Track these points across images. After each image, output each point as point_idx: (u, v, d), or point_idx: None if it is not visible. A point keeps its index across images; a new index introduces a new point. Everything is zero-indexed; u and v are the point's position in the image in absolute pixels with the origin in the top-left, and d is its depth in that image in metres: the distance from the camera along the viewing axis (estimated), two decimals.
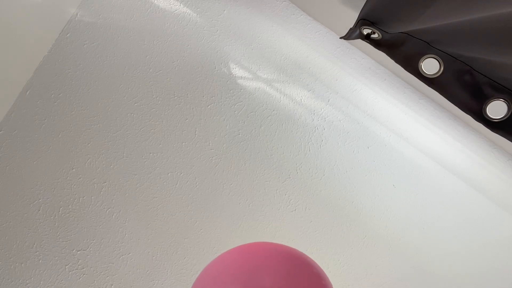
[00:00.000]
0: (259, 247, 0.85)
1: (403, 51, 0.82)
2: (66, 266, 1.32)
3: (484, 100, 0.77)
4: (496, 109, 0.76)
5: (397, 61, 0.85)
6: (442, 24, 0.72)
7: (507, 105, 0.74)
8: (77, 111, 1.33)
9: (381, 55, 0.88)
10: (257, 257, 0.80)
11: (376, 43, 0.86)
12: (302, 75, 1.48)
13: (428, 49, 0.79)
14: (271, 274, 0.74)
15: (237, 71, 1.44)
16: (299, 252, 0.85)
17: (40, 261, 1.31)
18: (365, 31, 0.86)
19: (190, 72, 1.40)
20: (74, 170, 1.33)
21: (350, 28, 0.88)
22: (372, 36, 0.86)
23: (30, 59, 1.30)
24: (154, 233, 1.38)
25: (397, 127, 1.51)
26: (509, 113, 0.74)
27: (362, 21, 0.83)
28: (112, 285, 1.35)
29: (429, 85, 0.82)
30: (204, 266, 0.78)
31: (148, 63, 1.38)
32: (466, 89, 0.78)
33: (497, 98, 0.75)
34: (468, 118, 0.80)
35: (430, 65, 0.80)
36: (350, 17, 1.09)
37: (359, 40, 0.89)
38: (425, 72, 0.81)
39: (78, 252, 1.33)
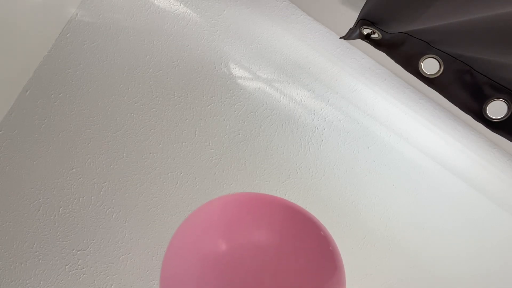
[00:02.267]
0: (255, 198, 0.73)
1: (403, 51, 0.82)
2: (66, 266, 1.32)
3: (484, 100, 0.77)
4: (496, 109, 0.76)
5: (397, 61, 0.85)
6: (442, 24, 0.72)
7: (507, 105, 0.74)
8: (77, 111, 1.33)
9: (381, 55, 0.88)
10: (249, 208, 0.68)
11: (376, 43, 0.86)
12: (302, 75, 1.48)
13: (428, 49, 0.79)
14: (265, 229, 0.63)
15: (237, 71, 1.44)
16: (304, 210, 0.73)
17: (40, 261, 1.31)
18: (365, 31, 0.86)
19: (190, 72, 1.40)
20: (74, 170, 1.33)
21: (350, 28, 0.88)
22: (372, 36, 0.86)
23: (30, 59, 1.30)
24: (154, 233, 1.38)
25: (397, 127, 1.51)
26: (509, 113, 0.74)
27: (362, 21, 0.83)
28: (112, 285, 1.35)
29: (429, 85, 0.82)
30: None
31: (148, 63, 1.37)
32: (466, 89, 0.78)
33: (497, 98, 0.75)
34: (468, 118, 0.80)
35: (430, 65, 0.80)
36: (350, 17, 1.09)
37: (359, 40, 0.89)
38: (425, 72, 0.81)
39: (78, 252, 1.33)
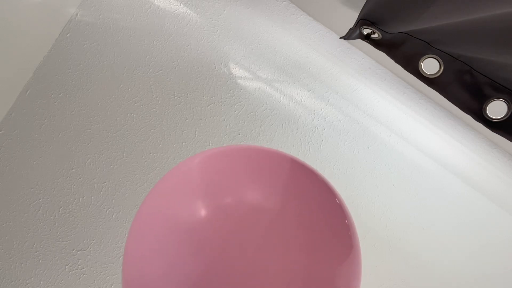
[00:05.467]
0: (250, 150, 0.56)
1: (403, 51, 0.82)
2: (66, 266, 1.32)
3: (484, 100, 0.77)
4: (496, 109, 0.76)
5: (397, 61, 0.85)
6: (442, 24, 0.72)
7: (507, 105, 0.74)
8: (77, 111, 1.33)
9: (381, 55, 0.88)
10: (240, 162, 0.52)
11: (376, 43, 0.86)
12: (302, 75, 1.48)
13: (428, 49, 0.79)
14: (262, 187, 0.48)
15: (237, 71, 1.44)
16: (316, 171, 0.58)
17: (40, 261, 1.31)
18: (365, 31, 0.86)
19: (190, 72, 1.40)
20: (74, 170, 1.33)
21: (350, 28, 0.88)
22: (372, 36, 0.86)
23: (30, 59, 1.30)
24: None
25: (397, 127, 1.51)
26: (509, 113, 0.74)
27: (362, 21, 0.83)
28: (112, 285, 1.35)
29: (429, 85, 0.82)
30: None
31: (148, 63, 1.37)
32: (466, 89, 0.78)
33: (497, 98, 0.75)
34: (468, 118, 0.80)
35: (430, 65, 0.80)
36: (350, 17, 1.09)
37: (359, 40, 0.89)
38: (425, 72, 0.81)
39: (78, 252, 1.33)
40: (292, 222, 0.47)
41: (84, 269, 1.33)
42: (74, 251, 1.33)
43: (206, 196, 0.48)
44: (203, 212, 0.47)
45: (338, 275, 0.49)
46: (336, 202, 0.55)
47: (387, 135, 1.50)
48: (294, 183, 0.52)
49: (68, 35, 1.32)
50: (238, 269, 0.43)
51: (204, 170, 0.53)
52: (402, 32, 0.80)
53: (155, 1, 1.38)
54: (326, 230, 0.50)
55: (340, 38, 0.90)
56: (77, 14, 1.33)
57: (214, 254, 0.44)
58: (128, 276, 0.51)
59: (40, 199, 1.31)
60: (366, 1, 0.83)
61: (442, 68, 0.79)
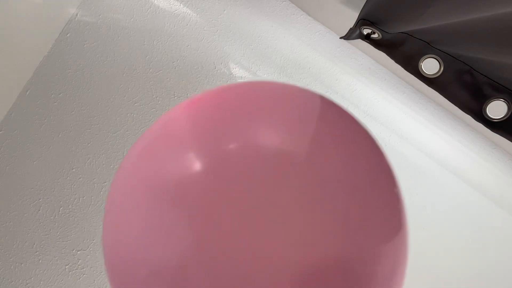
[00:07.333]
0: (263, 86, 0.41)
1: (403, 51, 0.82)
2: (66, 266, 1.32)
3: (484, 100, 0.77)
4: (496, 109, 0.76)
5: (397, 61, 0.85)
6: (442, 24, 0.72)
7: (507, 105, 0.74)
8: (77, 111, 1.33)
9: (381, 55, 0.88)
10: (248, 99, 0.39)
11: (376, 43, 0.86)
12: (302, 75, 1.48)
13: (428, 49, 0.79)
14: (283, 129, 0.35)
15: (237, 71, 1.44)
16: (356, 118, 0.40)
17: (40, 261, 1.31)
18: (365, 31, 0.86)
19: (190, 72, 1.40)
20: (74, 170, 1.33)
21: (350, 28, 0.88)
22: (372, 36, 0.86)
23: (30, 59, 1.30)
24: None
25: (397, 127, 1.51)
26: (509, 113, 0.74)
27: (362, 21, 0.83)
28: None
29: (429, 85, 0.82)
30: None
31: (148, 63, 1.37)
32: (466, 89, 0.78)
33: (497, 98, 0.75)
34: (468, 118, 0.80)
35: (430, 65, 0.80)
36: (350, 17, 1.09)
37: (359, 40, 0.89)
38: (425, 72, 0.81)
39: (78, 252, 1.33)
40: (322, 177, 0.33)
41: (84, 269, 1.33)
42: (74, 251, 1.33)
43: (200, 146, 0.35)
44: (197, 166, 0.34)
45: (379, 258, 0.35)
46: (385, 162, 0.38)
47: (387, 135, 1.50)
48: (326, 130, 0.37)
49: (68, 35, 1.32)
50: (243, 237, 0.32)
51: (196, 115, 0.39)
52: (402, 32, 0.80)
53: (155, 1, 1.38)
54: (370, 196, 0.36)
55: (340, 38, 0.90)
56: (77, 14, 1.33)
57: (213, 218, 0.32)
58: (110, 260, 0.40)
59: (40, 199, 1.31)
60: (366, 1, 0.83)
61: (442, 68, 0.79)
